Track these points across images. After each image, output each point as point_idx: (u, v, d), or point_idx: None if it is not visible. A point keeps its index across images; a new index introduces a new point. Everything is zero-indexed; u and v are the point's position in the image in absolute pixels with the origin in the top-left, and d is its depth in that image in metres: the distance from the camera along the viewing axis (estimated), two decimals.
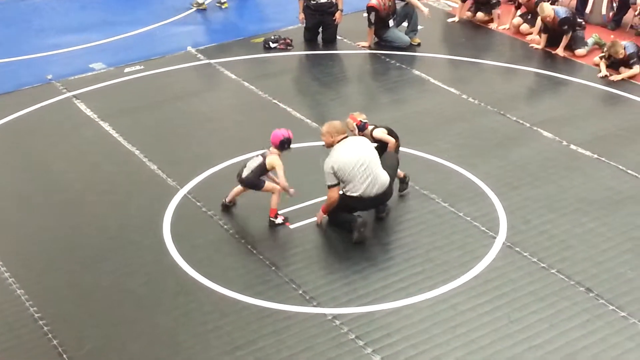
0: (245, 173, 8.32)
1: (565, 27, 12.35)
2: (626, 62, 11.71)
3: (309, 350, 6.80)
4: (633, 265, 7.78)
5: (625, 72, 11.64)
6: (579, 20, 12.75)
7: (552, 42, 12.62)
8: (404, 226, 8.38)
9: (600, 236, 8.20)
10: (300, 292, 7.47)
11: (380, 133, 8.75)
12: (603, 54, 11.90)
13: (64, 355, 6.78)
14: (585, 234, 8.23)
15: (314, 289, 7.50)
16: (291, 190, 8.31)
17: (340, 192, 8.20)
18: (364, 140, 8.31)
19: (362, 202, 8.14)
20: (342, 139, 8.18)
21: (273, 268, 7.77)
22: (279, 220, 8.36)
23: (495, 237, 8.18)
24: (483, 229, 8.31)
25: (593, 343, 6.86)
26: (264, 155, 8.31)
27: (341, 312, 7.22)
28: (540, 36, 12.76)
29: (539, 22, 12.72)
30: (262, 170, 8.28)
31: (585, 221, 8.44)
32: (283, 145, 8.29)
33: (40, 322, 7.14)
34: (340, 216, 8.23)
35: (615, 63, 11.84)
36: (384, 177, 8.14)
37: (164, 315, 7.22)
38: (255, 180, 8.28)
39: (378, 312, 7.22)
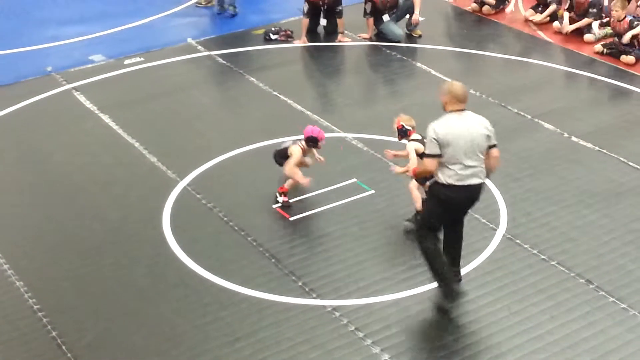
0: (277, 148, 8.64)
1: (594, 10, 12.66)
2: (620, 36, 11.95)
3: (308, 342, 6.79)
4: (634, 257, 7.77)
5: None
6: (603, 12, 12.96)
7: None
8: (404, 218, 8.36)
9: (601, 228, 8.19)
10: (300, 284, 7.46)
11: (412, 147, 8.03)
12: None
13: (64, 347, 6.77)
14: (586, 226, 8.21)
15: (314, 280, 7.49)
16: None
17: (430, 183, 7.16)
18: (481, 123, 6.95)
19: (455, 195, 6.89)
20: (459, 110, 6.91)
21: (273, 260, 7.76)
22: (281, 199, 8.46)
23: (495, 229, 8.16)
24: (484, 221, 8.29)
25: (593, 335, 6.85)
26: (295, 143, 8.51)
27: (341, 303, 7.21)
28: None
29: (548, 11, 13.15)
30: (285, 154, 8.48)
31: (586, 213, 8.42)
32: (308, 141, 8.47)
33: (40, 314, 7.13)
34: (436, 261, 7.06)
35: (615, 52, 11.95)
36: (480, 168, 6.97)
37: (164, 307, 7.21)
38: (277, 158, 8.56)
39: (378, 303, 7.20)
